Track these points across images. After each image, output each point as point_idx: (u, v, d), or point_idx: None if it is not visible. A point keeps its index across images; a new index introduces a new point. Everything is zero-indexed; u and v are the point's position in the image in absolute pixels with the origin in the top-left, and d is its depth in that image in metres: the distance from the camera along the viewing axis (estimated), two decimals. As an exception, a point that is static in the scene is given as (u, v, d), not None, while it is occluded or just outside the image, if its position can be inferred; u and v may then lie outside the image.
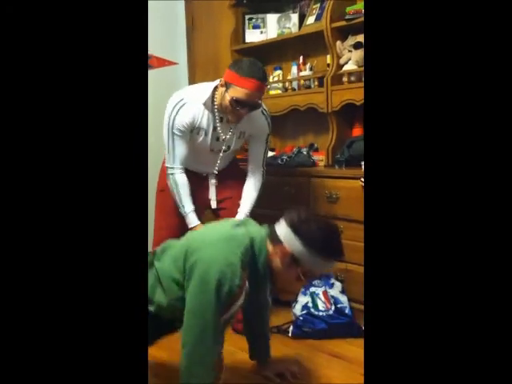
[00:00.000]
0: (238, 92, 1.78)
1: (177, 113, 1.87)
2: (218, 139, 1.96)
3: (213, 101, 1.89)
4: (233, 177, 2.12)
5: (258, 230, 1.46)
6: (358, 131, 2.49)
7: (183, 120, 1.87)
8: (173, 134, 1.89)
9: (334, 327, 2.07)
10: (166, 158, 1.97)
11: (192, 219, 1.97)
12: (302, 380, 1.76)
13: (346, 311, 2.12)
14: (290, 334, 2.11)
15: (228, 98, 1.80)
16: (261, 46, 2.89)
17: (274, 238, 1.42)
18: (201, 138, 1.94)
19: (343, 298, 2.17)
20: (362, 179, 2.07)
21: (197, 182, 2.05)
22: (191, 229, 1.93)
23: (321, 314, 2.11)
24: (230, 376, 1.72)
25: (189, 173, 2.01)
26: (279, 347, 1.93)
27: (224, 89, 1.82)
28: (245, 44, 2.95)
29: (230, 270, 1.31)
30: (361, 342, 1.80)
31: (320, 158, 2.56)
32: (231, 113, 1.85)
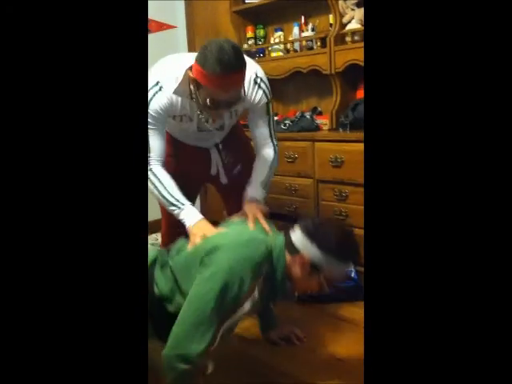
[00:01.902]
0: (211, 93, 1.43)
1: (152, 97, 1.53)
2: (207, 121, 1.64)
3: (189, 87, 1.51)
4: (237, 149, 1.86)
5: (275, 238, 1.41)
6: (362, 93, 2.43)
7: (158, 106, 1.54)
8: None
9: (340, 291, 2.08)
10: None
11: (193, 213, 1.56)
12: (307, 343, 1.77)
13: (352, 275, 2.12)
14: (295, 299, 2.12)
15: (201, 99, 1.47)
16: (261, 7, 2.80)
17: (291, 247, 1.38)
18: (186, 124, 1.67)
19: (349, 262, 2.17)
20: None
21: (196, 155, 1.81)
22: (196, 225, 1.52)
23: (327, 278, 2.12)
24: (237, 342, 1.74)
25: (185, 145, 1.80)
26: (285, 312, 1.93)
27: (194, 86, 1.46)
28: (245, 4, 2.86)
29: (240, 276, 1.27)
30: (367, 305, 1.80)
31: (324, 121, 2.52)
32: (211, 113, 1.53)
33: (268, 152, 1.73)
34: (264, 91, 1.64)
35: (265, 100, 1.65)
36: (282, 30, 2.83)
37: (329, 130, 2.46)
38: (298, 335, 1.78)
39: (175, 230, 1.68)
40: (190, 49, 3.35)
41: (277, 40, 2.80)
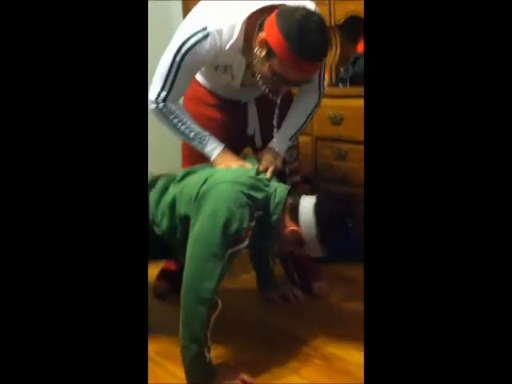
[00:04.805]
0: (285, 71, 1.29)
1: (195, 43, 1.36)
2: (253, 75, 1.45)
3: (245, 40, 1.36)
4: (281, 107, 1.59)
5: (279, 188, 1.38)
6: (363, 46, 2.34)
7: (201, 56, 1.38)
8: (179, 65, 1.39)
9: (336, 252, 2.05)
10: (155, 87, 1.44)
11: (216, 144, 1.50)
12: (305, 301, 1.79)
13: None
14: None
15: (268, 69, 1.31)
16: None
17: (293, 211, 1.36)
18: (227, 77, 1.50)
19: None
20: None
21: (232, 110, 1.63)
22: (219, 156, 1.49)
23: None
24: (236, 299, 1.76)
25: (219, 99, 1.63)
26: (282, 270, 1.93)
27: (263, 51, 1.29)
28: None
29: (240, 212, 1.26)
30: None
31: (323, 76, 2.44)
32: (270, 84, 1.38)
33: (310, 99, 1.60)
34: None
35: None
36: (279, -20, 2.71)
37: (328, 85, 2.38)
38: (295, 294, 1.79)
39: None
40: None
41: (274, -10, 2.68)
